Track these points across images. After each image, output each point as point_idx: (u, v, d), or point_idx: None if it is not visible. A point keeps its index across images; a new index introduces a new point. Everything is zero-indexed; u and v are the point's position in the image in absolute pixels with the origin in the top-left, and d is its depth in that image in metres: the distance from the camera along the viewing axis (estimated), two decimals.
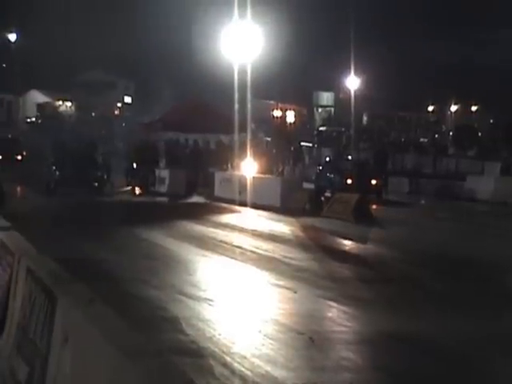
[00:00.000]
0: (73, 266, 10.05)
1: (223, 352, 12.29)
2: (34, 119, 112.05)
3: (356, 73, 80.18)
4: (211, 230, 29.35)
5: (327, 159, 49.52)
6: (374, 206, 37.07)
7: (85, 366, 6.16)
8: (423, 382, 11.43)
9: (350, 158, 50.34)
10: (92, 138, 72.95)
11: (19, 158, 57.60)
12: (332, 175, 43.97)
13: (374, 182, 43.27)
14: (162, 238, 26.33)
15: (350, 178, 42.52)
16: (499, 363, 12.50)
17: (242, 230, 29.22)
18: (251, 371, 11.32)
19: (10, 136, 64.50)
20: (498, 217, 35.33)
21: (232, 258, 22.80)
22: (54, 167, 41.44)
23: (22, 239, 11.53)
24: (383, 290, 18.47)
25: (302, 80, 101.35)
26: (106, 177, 43.49)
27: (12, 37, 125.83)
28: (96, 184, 41.62)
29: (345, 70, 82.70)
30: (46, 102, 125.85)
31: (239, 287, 18.70)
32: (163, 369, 5.15)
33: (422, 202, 42.12)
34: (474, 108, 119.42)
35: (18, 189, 39.51)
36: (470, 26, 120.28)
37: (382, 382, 11.75)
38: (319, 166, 48.20)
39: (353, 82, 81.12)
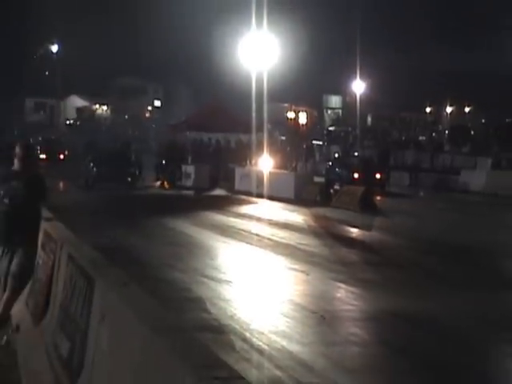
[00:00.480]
0: (108, 253, 10.02)
1: (243, 328, 12.27)
2: (73, 121, 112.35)
3: (361, 78, 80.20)
4: (231, 219, 29.35)
5: (336, 156, 49.61)
6: (378, 198, 37.01)
7: (120, 341, 6.14)
8: (425, 355, 11.35)
9: (356, 154, 50.19)
10: (125, 138, 73.31)
11: (61, 157, 57.79)
12: (340, 170, 44.10)
13: (378, 175, 43.34)
14: (186, 227, 26.34)
15: (357, 172, 42.65)
16: (494, 339, 12.43)
17: (259, 220, 29.18)
18: (268, 346, 11.29)
19: (53, 137, 64.50)
20: (490, 207, 35.35)
21: (250, 244, 22.76)
22: (91, 164, 41.63)
23: (64, 228, 11.48)
24: (388, 272, 18.41)
25: (313, 85, 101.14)
26: (138, 173, 43.73)
27: (54, 48, 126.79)
28: (129, 179, 41.80)
29: (351, 76, 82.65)
30: (85, 106, 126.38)
31: (257, 270, 18.65)
32: (189, 344, 5.09)
33: (421, 193, 42.10)
34: (467, 109, 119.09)
35: (61, 184, 39.48)
36: (469, 32, 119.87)
37: (387, 355, 11.69)
38: (329, 161, 48.38)
39: (358, 87, 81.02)
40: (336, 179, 42.41)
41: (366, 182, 40.43)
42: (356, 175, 42.41)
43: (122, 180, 41.13)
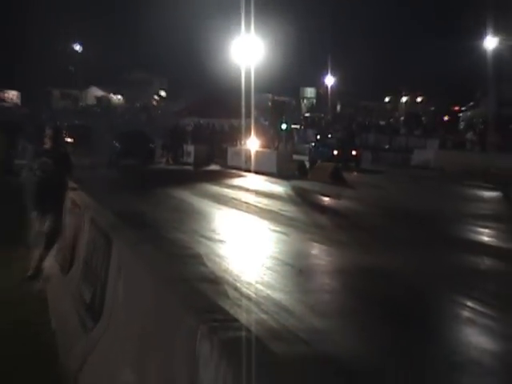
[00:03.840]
0: (123, 217, 9.96)
1: (234, 280, 12.27)
2: (93, 108, 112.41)
3: (332, 72, 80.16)
4: (224, 189, 29.34)
5: (318, 137, 49.23)
6: (355, 173, 37.20)
7: (133, 289, 6.14)
8: (385, 300, 11.37)
9: (330, 136, 49.86)
10: (137, 122, 73.14)
11: (84, 138, 57.09)
12: (322, 149, 43.87)
13: (354, 152, 43.30)
14: (187, 196, 26.33)
15: (337, 149, 42.52)
16: (440, 285, 12.48)
17: (247, 190, 29.16)
18: (255, 294, 11.30)
19: (76, 122, 63.89)
20: (437, 179, 35.42)
21: (240, 210, 22.76)
22: (115, 143, 41.57)
23: (87, 197, 11.44)
24: (354, 234, 18.45)
25: (292, 78, 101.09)
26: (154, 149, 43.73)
27: (77, 47, 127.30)
28: (149, 155, 41.93)
29: (324, 70, 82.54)
30: (103, 95, 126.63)
31: (246, 232, 18.65)
32: (191, 292, 5.08)
33: (382, 169, 41.95)
34: (419, 99, 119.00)
35: (86, 161, 39.35)
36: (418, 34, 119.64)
37: (354, 301, 11.70)
38: (312, 142, 48.02)
39: (329, 80, 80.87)
40: (319, 157, 41.98)
41: (344, 159, 41.30)
42: (336, 152, 42.20)
43: (141, 156, 41.15)
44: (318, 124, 71.87)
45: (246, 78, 49.43)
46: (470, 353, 8.83)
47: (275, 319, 9.87)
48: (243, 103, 48.30)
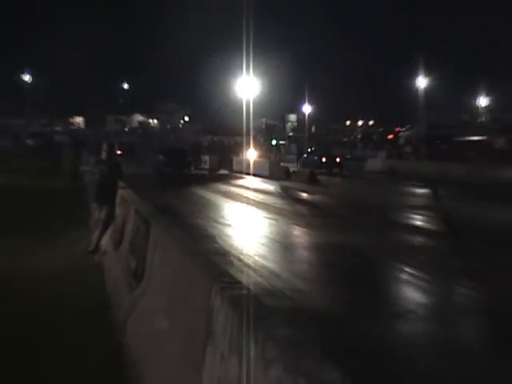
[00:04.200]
0: (159, 208, 9.95)
1: (238, 253, 12.25)
2: (136, 130, 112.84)
3: (309, 102, 79.88)
4: (231, 187, 29.31)
5: (309, 150, 47.63)
6: (339, 179, 37.03)
7: (165, 260, 6.13)
8: (347, 267, 11.38)
9: (309, 150, 48.78)
10: (168, 140, 72.98)
11: (130, 152, 56.72)
12: (313, 158, 42.75)
13: (338, 159, 42.15)
14: (204, 193, 26.29)
15: (325, 158, 41.74)
16: (386, 257, 12.48)
17: (247, 188, 29.14)
18: (254, 263, 11.29)
19: (123, 140, 63.68)
20: (386, 181, 35.31)
21: (242, 202, 22.72)
22: (161, 156, 40.72)
23: (132, 193, 11.43)
24: (326, 220, 18.38)
25: (280, 107, 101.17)
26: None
27: (125, 85, 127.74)
28: (189, 165, 41.02)
29: (302, 101, 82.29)
30: (143, 120, 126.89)
31: (247, 218, 18.63)
32: (207, 261, 5.08)
33: (345, 173, 41.88)
34: (371, 122, 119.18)
35: (131, 168, 39.27)
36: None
37: (325, 268, 11.70)
38: (304, 154, 46.15)
39: (306, 109, 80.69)
40: (310, 164, 41.05)
41: (330, 165, 40.64)
42: (324, 159, 41.38)
43: (181, 166, 39.80)
44: (298, 141, 71.67)
45: (246, 106, 49.62)
46: (408, 305, 8.83)
47: (268, 282, 9.87)
48: (244, 125, 48.37)
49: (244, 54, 44.26)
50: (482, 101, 76.02)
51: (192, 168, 41.46)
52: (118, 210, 11.25)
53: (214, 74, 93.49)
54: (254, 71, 49.51)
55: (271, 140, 63.46)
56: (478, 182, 28.48)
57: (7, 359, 6.09)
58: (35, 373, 5.80)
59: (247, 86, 51.24)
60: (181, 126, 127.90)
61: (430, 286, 10.15)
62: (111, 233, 11.30)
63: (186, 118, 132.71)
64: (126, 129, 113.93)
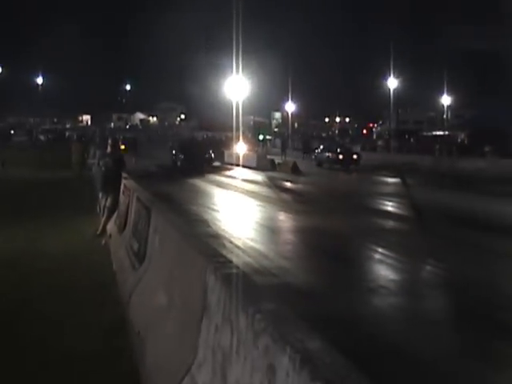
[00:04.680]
0: (158, 195, 9.94)
1: (229, 236, 12.27)
2: (137, 126, 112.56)
3: (292, 100, 79.66)
4: (222, 178, 29.26)
5: (322, 146, 41.98)
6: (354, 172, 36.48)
7: (164, 242, 6.12)
8: (326, 248, 11.41)
9: (321, 146, 45.08)
10: (167, 136, 72.48)
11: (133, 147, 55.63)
12: (327, 154, 38.21)
13: (355, 156, 37.68)
14: (197, 182, 26.21)
15: (343, 155, 37.27)
16: (360, 238, 12.54)
17: (237, 178, 29.10)
18: (243, 245, 11.30)
19: (127, 135, 63.32)
20: (359, 171, 35.24)
21: (232, 191, 22.73)
22: (173, 151, 37.13)
23: (134, 183, 11.40)
24: (308, 206, 18.43)
25: (266, 105, 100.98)
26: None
27: (127, 87, 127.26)
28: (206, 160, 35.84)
29: (286, 100, 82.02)
30: (144, 118, 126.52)
31: (237, 205, 18.64)
32: (201, 243, 5.09)
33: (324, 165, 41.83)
34: (347, 119, 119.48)
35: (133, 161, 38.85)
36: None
37: (307, 248, 11.75)
38: (317, 149, 41.81)
39: (289, 107, 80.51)
40: (326, 161, 37.79)
41: (348, 162, 36.39)
42: (341, 157, 36.99)
43: (200, 162, 34.56)
44: (282, 136, 71.66)
45: (236, 105, 49.44)
46: (380, 281, 8.88)
47: (256, 261, 9.89)
48: (234, 122, 48.23)
49: (234, 54, 44.00)
50: (445, 99, 76.20)
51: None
52: (122, 198, 11.22)
53: (207, 74, 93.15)
54: (243, 70, 49.26)
55: (258, 135, 63.51)
56: (442, 171, 28.61)
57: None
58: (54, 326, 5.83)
59: (236, 86, 51.07)
60: (177, 122, 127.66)
61: (400, 264, 10.22)
62: (116, 218, 11.27)
63: (183, 116, 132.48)
64: (128, 126, 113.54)
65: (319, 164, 38.61)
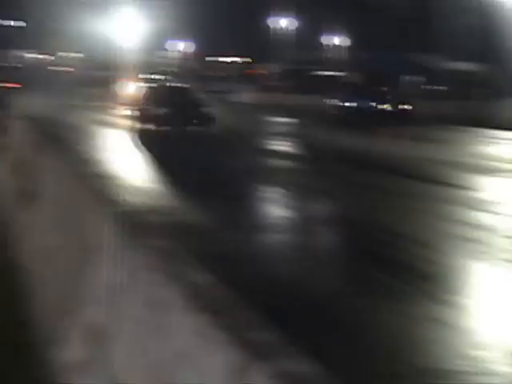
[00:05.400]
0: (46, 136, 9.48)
1: (119, 175, 11.96)
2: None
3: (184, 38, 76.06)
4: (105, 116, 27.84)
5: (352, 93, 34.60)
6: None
7: (58, 183, 5.96)
8: (221, 188, 11.17)
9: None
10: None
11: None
12: (369, 105, 28.07)
13: (406, 107, 27.81)
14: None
15: (392, 106, 27.86)
16: (256, 177, 12.61)
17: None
18: (140, 184, 11.11)
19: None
20: (252, 111, 33.79)
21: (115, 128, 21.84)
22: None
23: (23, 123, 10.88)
24: (210, 145, 17.95)
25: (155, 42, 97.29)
26: None
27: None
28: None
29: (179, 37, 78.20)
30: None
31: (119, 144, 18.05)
32: (95, 184, 5.02)
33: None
34: (244, 59, 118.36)
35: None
36: None
37: (201, 187, 11.12)
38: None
39: (183, 45, 77.82)
40: (368, 114, 27.05)
41: (399, 115, 26.72)
42: (390, 108, 27.96)
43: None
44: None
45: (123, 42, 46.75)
46: (271, 219, 9.11)
47: (151, 200, 9.72)
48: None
49: None
50: (337, 40, 77.22)
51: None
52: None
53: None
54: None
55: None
56: (332, 112, 29.01)
57: None
58: None
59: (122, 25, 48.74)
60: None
61: (292, 202, 10.49)
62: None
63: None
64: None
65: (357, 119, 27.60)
